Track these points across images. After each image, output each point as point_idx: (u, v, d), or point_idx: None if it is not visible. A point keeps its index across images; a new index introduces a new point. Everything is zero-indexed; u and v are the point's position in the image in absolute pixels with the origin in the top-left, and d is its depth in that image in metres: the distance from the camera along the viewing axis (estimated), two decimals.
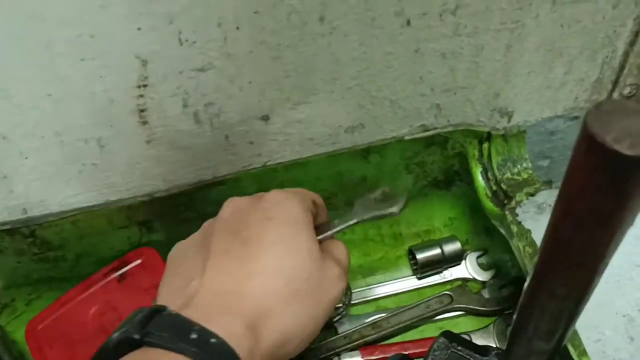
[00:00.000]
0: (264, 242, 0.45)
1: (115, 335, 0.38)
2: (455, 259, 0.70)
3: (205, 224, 0.51)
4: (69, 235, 0.58)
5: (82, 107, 0.45)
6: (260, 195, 0.50)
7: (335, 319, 0.66)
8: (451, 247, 0.70)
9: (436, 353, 0.58)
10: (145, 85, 0.45)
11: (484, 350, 0.58)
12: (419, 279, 0.70)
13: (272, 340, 0.41)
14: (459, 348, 0.58)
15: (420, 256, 0.70)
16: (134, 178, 0.53)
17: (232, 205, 0.49)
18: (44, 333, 0.57)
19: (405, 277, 0.71)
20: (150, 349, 0.38)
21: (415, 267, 0.71)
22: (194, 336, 0.38)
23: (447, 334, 0.59)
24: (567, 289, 0.38)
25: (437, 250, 0.70)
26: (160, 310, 0.40)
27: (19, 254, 0.58)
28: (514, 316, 0.46)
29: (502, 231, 0.61)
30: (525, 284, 0.41)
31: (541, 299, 0.40)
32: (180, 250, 0.50)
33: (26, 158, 0.47)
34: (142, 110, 0.47)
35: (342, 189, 0.67)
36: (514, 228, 0.56)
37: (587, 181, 0.30)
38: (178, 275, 0.46)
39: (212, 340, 0.38)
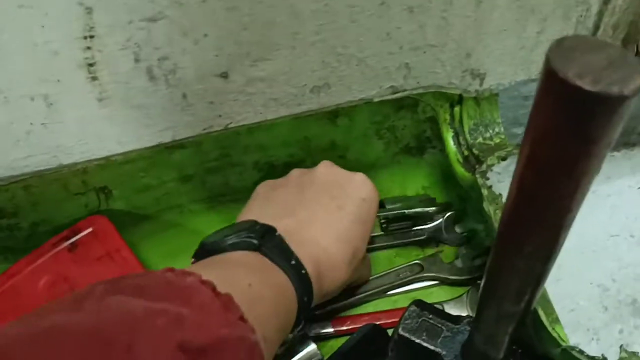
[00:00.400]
0: (356, 218, 0.53)
1: (233, 236, 0.45)
2: (426, 218, 0.68)
3: (295, 173, 0.57)
4: (21, 202, 0.55)
5: (24, 60, 0.42)
6: (350, 173, 0.56)
7: None
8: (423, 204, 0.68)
9: (407, 322, 0.56)
10: (92, 37, 0.42)
11: (456, 319, 0.57)
12: (387, 234, 0.68)
13: (327, 291, 0.51)
14: (430, 317, 0.57)
15: (389, 206, 0.67)
16: (87, 140, 0.51)
17: (327, 169, 0.56)
18: None
19: (376, 238, 0.69)
20: (264, 258, 0.45)
21: (383, 221, 0.68)
22: (293, 262, 0.46)
23: (418, 303, 0.58)
24: (533, 246, 0.37)
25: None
26: (272, 230, 0.48)
27: None
28: (483, 277, 0.45)
29: (473, 196, 0.60)
30: (493, 243, 0.40)
31: (508, 257, 0.39)
32: (271, 186, 0.57)
33: None
34: (90, 65, 0.45)
35: (310, 154, 0.65)
36: (485, 192, 0.55)
37: (550, 123, 0.28)
38: (271, 208, 0.53)
39: (303, 272, 0.46)
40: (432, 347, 0.55)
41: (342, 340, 0.61)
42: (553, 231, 0.35)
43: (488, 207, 0.54)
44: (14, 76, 0.43)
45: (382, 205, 0.68)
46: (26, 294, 0.54)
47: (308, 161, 0.67)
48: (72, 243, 0.56)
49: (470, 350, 0.52)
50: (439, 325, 0.56)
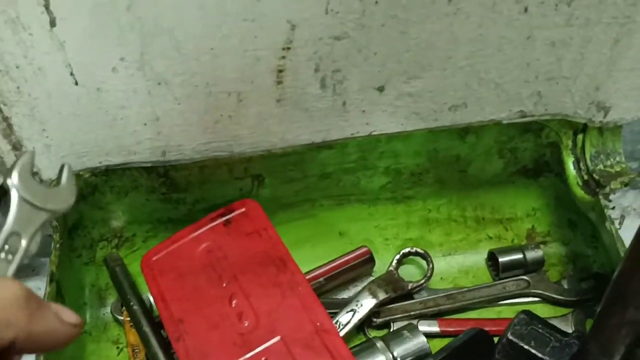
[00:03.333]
0: None
1: None
2: (536, 266, 0.74)
3: None
4: (194, 180, 0.68)
5: (233, 62, 0.54)
6: None
7: (414, 290, 0.73)
8: (534, 255, 0.74)
9: (516, 327, 0.62)
10: (288, 48, 0.54)
11: (564, 332, 0.61)
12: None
13: None
14: (540, 326, 0.62)
15: (502, 259, 0.74)
16: (259, 133, 0.62)
17: None
18: (157, 264, 0.66)
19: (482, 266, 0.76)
20: None
21: (493, 268, 0.76)
22: None
23: (527, 312, 0.63)
24: None
25: (519, 255, 0.74)
26: None
27: (150, 192, 0.68)
28: (611, 283, 0.48)
29: (593, 217, 0.66)
30: (627, 249, 0.44)
31: None
32: None
33: (179, 104, 0.57)
34: (280, 71, 0.56)
35: (435, 165, 0.75)
36: (607, 212, 0.61)
37: None
38: None
39: None
40: (540, 355, 0.59)
41: (446, 340, 0.67)
42: None
43: (610, 226, 0.61)
44: (221, 74, 0.55)
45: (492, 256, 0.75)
46: (187, 256, 0.66)
47: (432, 172, 0.76)
48: (227, 219, 0.68)
49: None
50: (548, 335, 0.61)
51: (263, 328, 0.58)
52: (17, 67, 0.54)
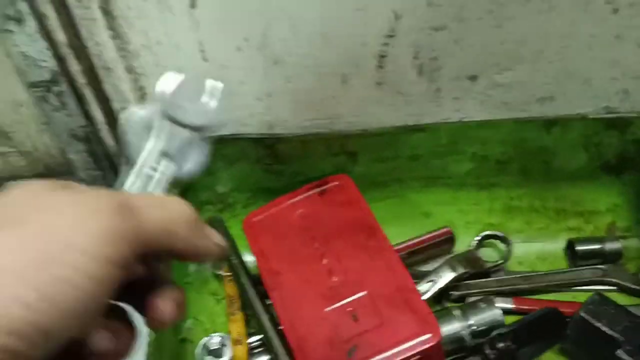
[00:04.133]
0: None
1: None
2: (614, 257, 0.77)
3: None
4: (295, 153, 0.76)
5: (342, 46, 0.61)
6: None
7: (492, 270, 0.77)
8: (612, 246, 0.76)
9: (590, 306, 0.65)
10: (392, 36, 0.61)
11: (637, 316, 0.63)
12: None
13: None
14: (613, 307, 0.64)
15: (580, 247, 0.77)
16: (358, 113, 0.70)
17: None
18: (258, 224, 0.75)
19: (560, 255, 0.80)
20: None
21: (571, 257, 0.79)
22: None
23: (601, 295, 0.66)
24: None
25: (597, 245, 0.77)
26: None
27: (255, 162, 0.77)
28: None
29: None
30: None
31: None
32: None
33: (289, 82, 0.65)
34: (382, 56, 0.63)
35: (521, 155, 0.79)
36: None
37: None
38: None
39: None
40: (611, 333, 0.61)
41: (520, 318, 0.71)
42: None
43: None
44: (330, 57, 0.63)
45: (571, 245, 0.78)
46: (284, 219, 0.74)
47: (516, 161, 0.80)
48: (322, 190, 0.75)
49: None
50: (621, 315, 0.63)
51: (351, 283, 0.65)
52: (158, 43, 0.64)
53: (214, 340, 0.72)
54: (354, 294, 0.64)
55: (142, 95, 0.70)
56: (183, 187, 0.79)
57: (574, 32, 0.61)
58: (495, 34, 0.61)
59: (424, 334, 0.60)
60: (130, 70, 0.66)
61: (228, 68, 0.65)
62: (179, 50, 0.64)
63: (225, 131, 0.73)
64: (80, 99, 0.67)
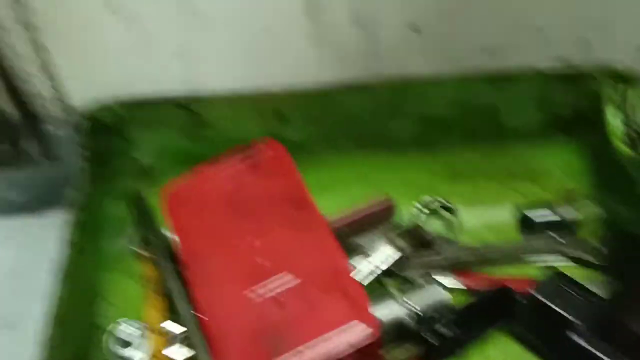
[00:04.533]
0: None
1: None
2: (570, 226, 0.71)
3: None
4: (222, 116, 0.67)
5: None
6: None
7: (436, 243, 0.71)
8: (567, 213, 0.71)
9: (543, 286, 0.60)
10: None
11: (594, 294, 0.59)
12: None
13: None
14: (568, 285, 0.60)
15: (531, 215, 0.71)
16: (290, 71, 0.62)
17: None
18: (177, 196, 0.67)
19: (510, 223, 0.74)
20: None
21: (523, 226, 0.73)
22: None
23: (558, 272, 0.61)
24: None
25: (550, 213, 0.71)
26: None
27: (177, 128, 0.69)
28: None
29: (635, 175, 0.65)
30: None
31: None
32: None
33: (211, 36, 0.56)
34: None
35: (467, 115, 0.73)
36: None
37: None
38: None
39: None
40: (565, 314, 0.57)
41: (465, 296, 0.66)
42: None
43: None
44: (256, 6, 0.54)
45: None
46: (205, 190, 0.67)
47: (462, 122, 0.74)
48: (249, 155, 0.68)
49: (610, 323, 0.54)
50: (576, 295, 0.58)
51: (277, 263, 0.59)
52: None
53: (126, 327, 0.65)
54: (280, 276, 0.58)
55: (36, 49, 0.61)
56: (97, 156, 0.71)
57: None
58: None
59: (357, 320, 0.54)
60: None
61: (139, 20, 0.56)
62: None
63: (140, 91, 0.64)
64: None
